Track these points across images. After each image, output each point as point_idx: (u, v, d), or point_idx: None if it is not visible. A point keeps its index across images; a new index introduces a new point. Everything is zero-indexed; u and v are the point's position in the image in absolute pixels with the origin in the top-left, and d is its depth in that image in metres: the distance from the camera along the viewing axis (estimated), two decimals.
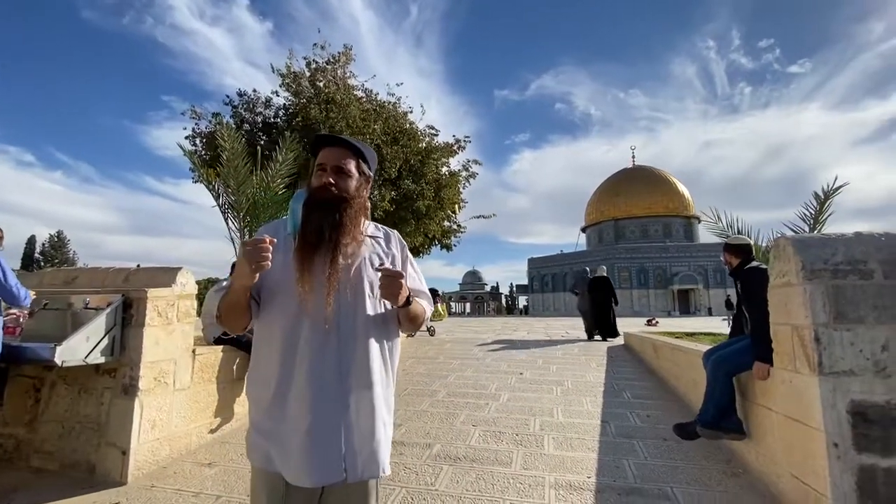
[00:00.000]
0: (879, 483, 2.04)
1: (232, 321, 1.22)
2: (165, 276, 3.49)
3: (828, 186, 4.29)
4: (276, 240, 1.11)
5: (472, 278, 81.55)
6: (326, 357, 1.17)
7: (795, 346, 2.40)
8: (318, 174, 1.28)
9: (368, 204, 1.38)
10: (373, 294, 1.27)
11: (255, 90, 10.34)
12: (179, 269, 3.52)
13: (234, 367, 4.09)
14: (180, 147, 6.94)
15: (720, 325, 17.76)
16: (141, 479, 2.98)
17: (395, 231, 1.50)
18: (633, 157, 68.48)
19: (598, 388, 5.32)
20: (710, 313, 43.83)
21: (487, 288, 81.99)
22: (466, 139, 11.40)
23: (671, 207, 60.40)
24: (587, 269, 10.43)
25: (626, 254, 53.90)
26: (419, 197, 10.13)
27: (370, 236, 1.36)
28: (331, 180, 1.25)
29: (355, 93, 10.07)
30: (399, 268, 1.35)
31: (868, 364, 2.15)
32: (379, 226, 1.45)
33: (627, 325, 10.75)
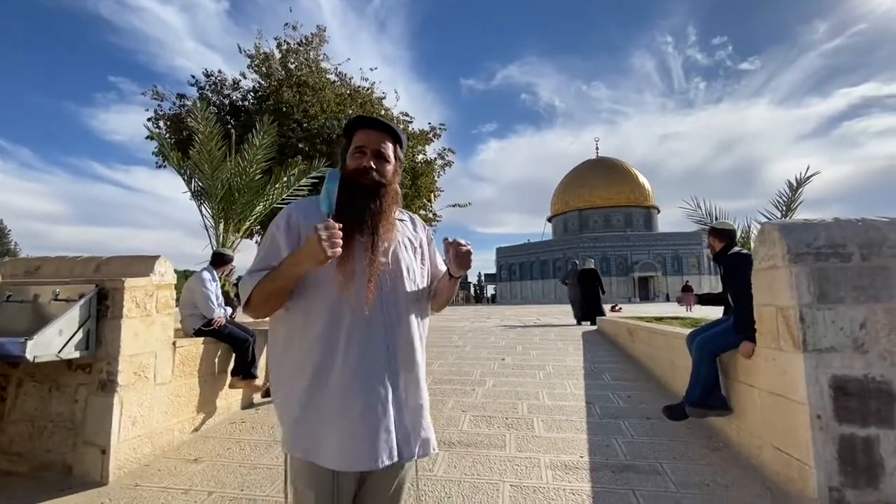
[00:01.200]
0: (858, 451, 2.20)
1: (268, 308, 1.18)
2: (141, 265, 3.30)
3: (800, 175, 4.58)
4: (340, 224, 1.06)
5: None
6: (374, 341, 1.16)
7: (780, 326, 2.54)
8: (357, 156, 1.25)
9: (399, 189, 1.35)
10: (409, 276, 1.28)
11: (220, 71, 9.83)
12: (157, 257, 3.34)
13: (216, 360, 3.95)
14: (148, 129, 6.49)
15: (681, 310, 18.66)
16: (123, 478, 2.84)
17: (416, 215, 1.50)
18: (597, 148, 70.09)
19: (579, 371, 5.47)
20: (667, 299, 45.87)
21: None
22: (442, 127, 11.24)
23: (632, 198, 62.33)
24: (576, 261, 11.05)
25: (590, 243, 55.35)
26: None
27: (398, 220, 1.36)
28: (372, 164, 1.24)
29: (328, 76, 9.74)
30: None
31: (848, 341, 2.31)
32: (403, 210, 1.44)
33: None
